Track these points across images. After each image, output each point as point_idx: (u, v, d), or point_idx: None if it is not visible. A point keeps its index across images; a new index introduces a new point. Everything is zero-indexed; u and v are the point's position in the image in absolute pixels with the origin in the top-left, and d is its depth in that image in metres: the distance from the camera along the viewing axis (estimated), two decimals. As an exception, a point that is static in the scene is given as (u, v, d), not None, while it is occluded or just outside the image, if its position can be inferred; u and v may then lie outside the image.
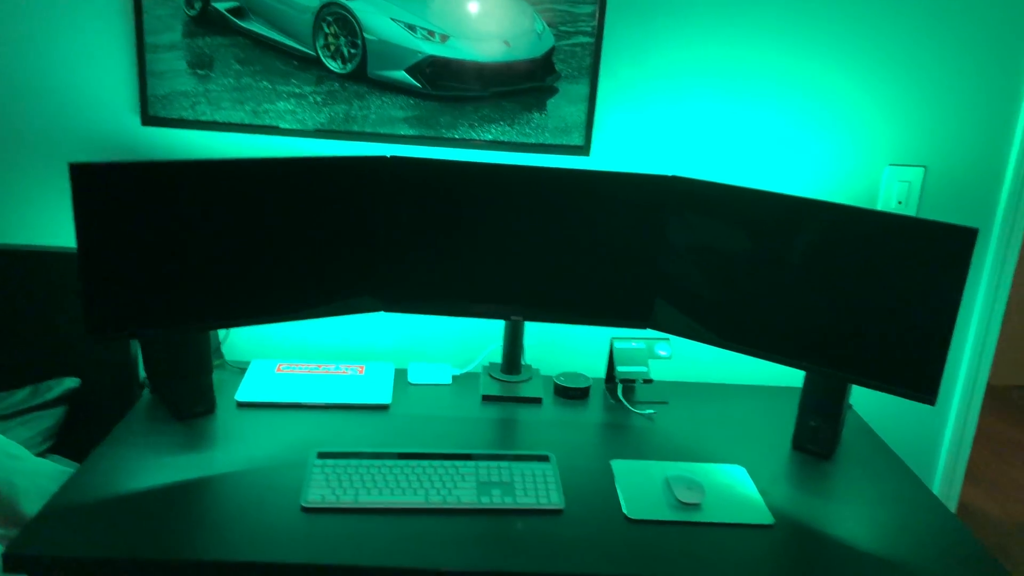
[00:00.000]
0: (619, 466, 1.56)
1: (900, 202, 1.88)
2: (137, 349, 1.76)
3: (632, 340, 1.87)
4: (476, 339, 1.98)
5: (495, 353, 1.98)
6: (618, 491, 1.48)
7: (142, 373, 1.77)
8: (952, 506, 2.15)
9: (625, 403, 1.83)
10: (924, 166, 1.87)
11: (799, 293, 1.60)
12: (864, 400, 2.03)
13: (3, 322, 1.75)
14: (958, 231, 1.42)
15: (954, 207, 1.90)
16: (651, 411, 1.80)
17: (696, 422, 1.76)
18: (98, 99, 1.74)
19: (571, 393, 1.84)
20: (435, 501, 1.40)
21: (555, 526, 1.38)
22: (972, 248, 1.41)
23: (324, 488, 1.40)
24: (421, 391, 1.82)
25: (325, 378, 1.81)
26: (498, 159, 1.82)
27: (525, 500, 1.42)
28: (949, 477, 2.10)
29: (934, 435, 2.08)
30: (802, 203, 1.56)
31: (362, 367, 1.87)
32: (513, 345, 1.85)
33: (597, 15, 1.73)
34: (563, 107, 1.78)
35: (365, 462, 1.48)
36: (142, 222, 1.47)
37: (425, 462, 1.49)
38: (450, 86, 1.76)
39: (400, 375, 1.89)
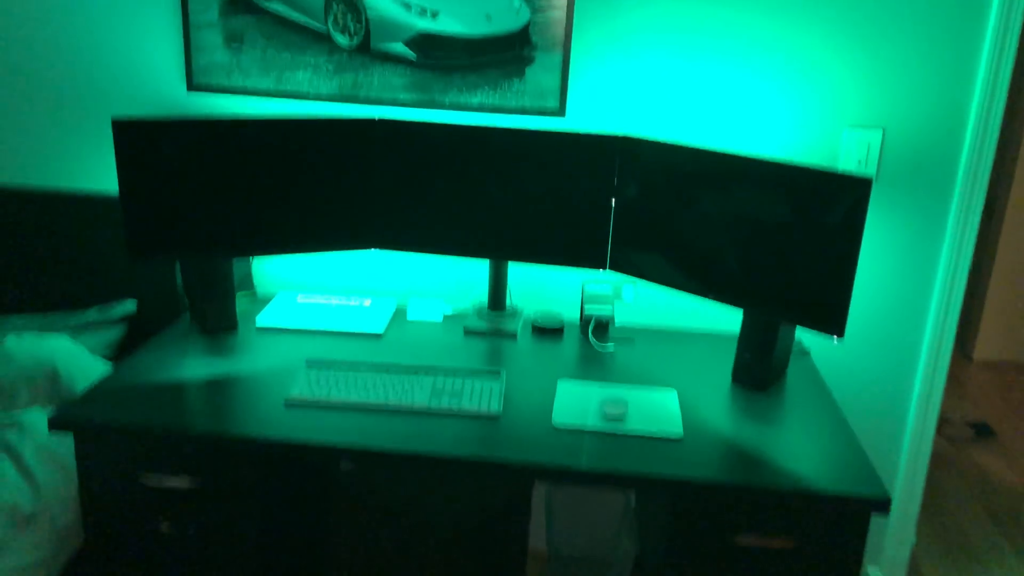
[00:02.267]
0: (564, 385, 1.79)
1: (860, 162, 2.00)
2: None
3: (601, 284, 2.09)
4: (474, 284, 2.24)
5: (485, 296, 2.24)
6: (554, 404, 1.71)
7: (186, 300, 2.13)
8: (924, 457, 2.24)
9: (591, 339, 2.04)
10: (882, 128, 1.98)
11: (734, 240, 1.77)
12: (833, 360, 2.16)
13: (78, 255, 2.15)
14: (852, 180, 1.56)
15: (914, 169, 2.01)
16: (611, 346, 2.01)
17: (653, 357, 1.96)
18: (152, 71, 2.11)
19: (545, 331, 2.07)
20: (393, 402, 1.67)
21: (489, 428, 1.63)
22: (867, 196, 1.55)
23: (305, 388, 1.71)
24: (415, 325, 2.10)
25: (335, 308, 2.11)
26: (483, 121, 2.07)
27: (469, 406, 1.68)
28: (919, 428, 2.21)
29: (904, 392, 2.19)
30: (727, 157, 1.73)
31: (368, 300, 2.17)
32: (496, 285, 2.10)
33: (571, -9, 1.94)
34: (539, 74, 2.00)
35: (343, 371, 1.77)
36: (173, 170, 1.81)
37: (392, 374, 1.77)
38: (440, 56, 2.01)
39: (402, 311, 2.17)
